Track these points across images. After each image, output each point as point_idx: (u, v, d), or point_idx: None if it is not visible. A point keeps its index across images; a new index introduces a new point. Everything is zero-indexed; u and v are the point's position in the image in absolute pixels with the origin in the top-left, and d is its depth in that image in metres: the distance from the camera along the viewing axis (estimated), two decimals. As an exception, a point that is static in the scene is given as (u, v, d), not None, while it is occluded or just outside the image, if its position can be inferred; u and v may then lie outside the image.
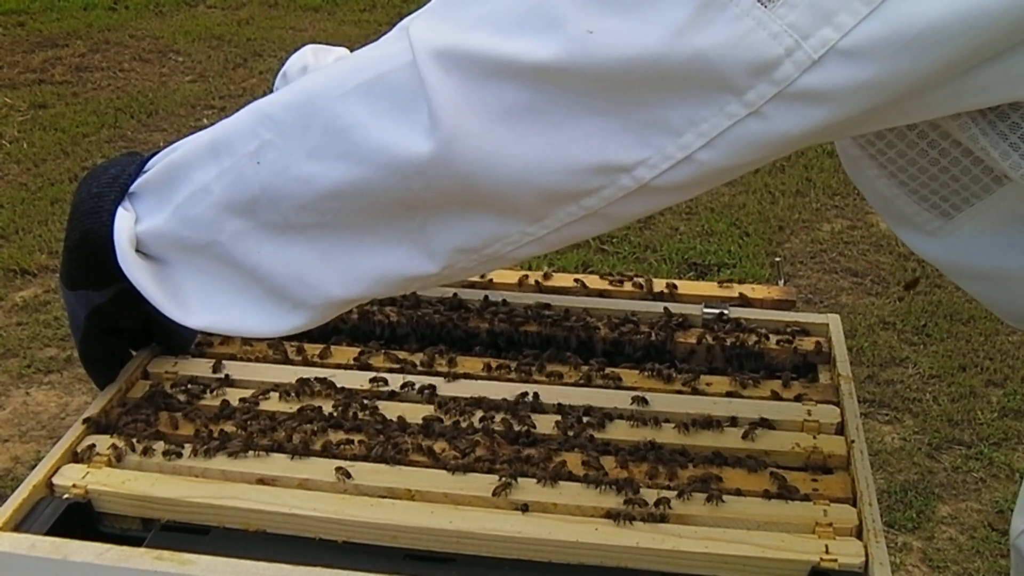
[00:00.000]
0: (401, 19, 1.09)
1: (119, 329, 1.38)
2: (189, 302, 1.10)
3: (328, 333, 1.69)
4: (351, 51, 1.62)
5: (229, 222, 1.03)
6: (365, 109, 0.93)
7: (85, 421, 1.43)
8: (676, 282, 1.81)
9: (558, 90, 0.87)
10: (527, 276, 1.82)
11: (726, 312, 1.71)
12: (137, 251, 1.11)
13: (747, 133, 0.86)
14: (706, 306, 1.73)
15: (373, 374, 1.55)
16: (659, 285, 1.81)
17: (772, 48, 0.81)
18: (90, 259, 1.16)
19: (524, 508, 1.29)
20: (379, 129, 0.93)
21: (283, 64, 1.62)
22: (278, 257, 1.03)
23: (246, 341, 1.64)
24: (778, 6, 0.81)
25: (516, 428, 1.44)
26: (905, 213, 1.07)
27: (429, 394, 1.51)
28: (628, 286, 1.81)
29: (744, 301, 1.76)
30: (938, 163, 1.00)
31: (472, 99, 0.88)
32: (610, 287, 1.81)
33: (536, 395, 1.50)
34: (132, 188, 1.11)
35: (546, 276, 1.83)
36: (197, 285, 1.09)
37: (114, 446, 1.39)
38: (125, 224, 1.09)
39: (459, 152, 0.90)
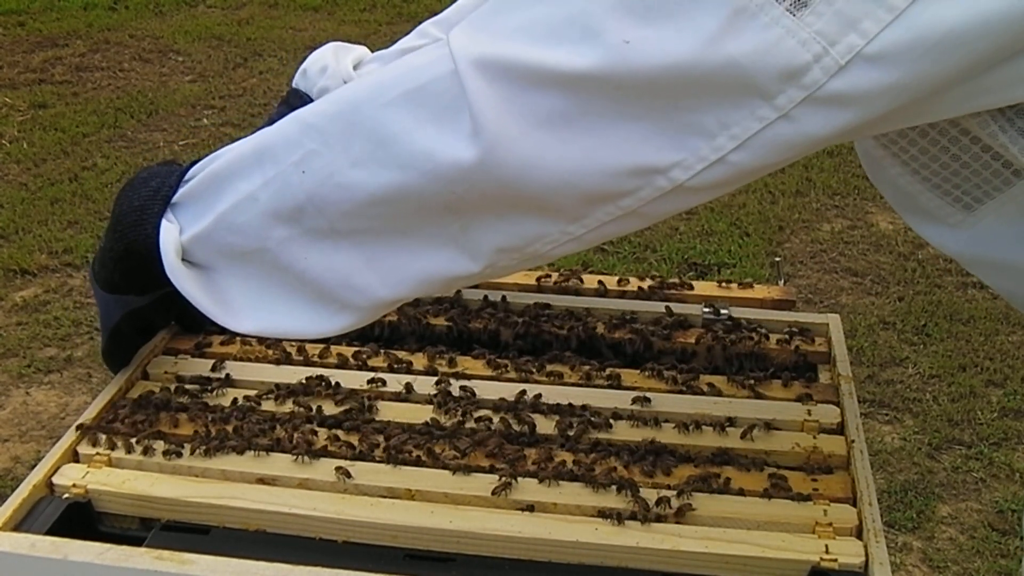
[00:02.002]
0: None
1: (152, 328, 1.41)
2: (237, 307, 1.12)
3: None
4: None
5: (276, 229, 1.06)
6: (408, 117, 0.96)
7: (83, 422, 1.43)
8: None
9: (596, 97, 0.90)
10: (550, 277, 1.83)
11: (726, 312, 1.71)
12: (183, 259, 1.14)
13: (777, 135, 0.89)
14: (706, 306, 1.73)
15: (372, 374, 1.55)
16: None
17: (801, 55, 0.85)
18: (135, 269, 1.18)
19: (530, 508, 1.29)
20: (423, 136, 0.96)
21: (294, 69, 1.63)
22: (325, 262, 1.06)
23: (246, 340, 1.64)
24: (806, 14, 0.84)
25: (516, 428, 1.44)
26: (928, 208, 1.10)
27: (429, 394, 1.51)
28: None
29: (727, 292, 1.76)
30: (959, 158, 1.02)
31: (513, 107, 0.91)
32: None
33: (539, 395, 1.50)
34: (174, 199, 1.13)
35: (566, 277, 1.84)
36: (244, 290, 1.12)
37: (114, 446, 1.39)
38: (171, 236, 1.11)
39: (501, 157, 0.93)
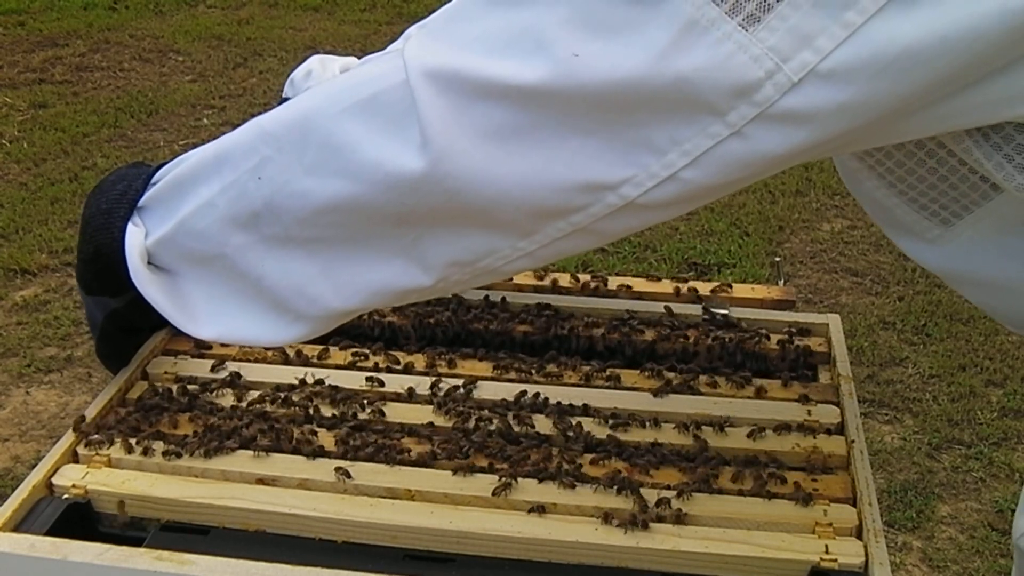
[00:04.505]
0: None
1: (136, 328, 1.42)
2: (197, 313, 1.13)
3: (328, 334, 1.69)
4: (352, 53, 1.64)
5: (234, 235, 1.06)
6: (360, 127, 0.96)
7: (82, 422, 1.43)
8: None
9: (544, 111, 0.89)
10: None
11: (727, 312, 1.71)
12: (149, 262, 1.14)
13: (730, 152, 0.88)
14: (706, 306, 1.73)
15: (371, 374, 1.55)
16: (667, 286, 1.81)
17: (753, 71, 0.83)
18: (104, 271, 1.19)
19: (540, 509, 1.29)
20: (373, 146, 0.96)
21: (292, 70, 1.63)
22: (280, 269, 1.06)
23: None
24: (759, 30, 0.82)
25: (516, 429, 1.44)
26: (905, 222, 1.09)
27: (429, 394, 1.51)
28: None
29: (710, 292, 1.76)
30: (936, 172, 1.01)
31: (461, 118, 0.91)
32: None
33: (537, 395, 1.50)
34: (140, 202, 1.14)
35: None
36: (205, 296, 1.12)
37: (114, 446, 1.39)
38: (136, 240, 1.12)
39: (449, 169, 0.92)
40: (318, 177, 0.99)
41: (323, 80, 1.57)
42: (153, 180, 1.14)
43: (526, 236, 0.98)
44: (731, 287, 1.80)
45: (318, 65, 1.60)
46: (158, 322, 1.34)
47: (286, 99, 1.59)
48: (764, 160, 0.89)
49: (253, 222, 1.05)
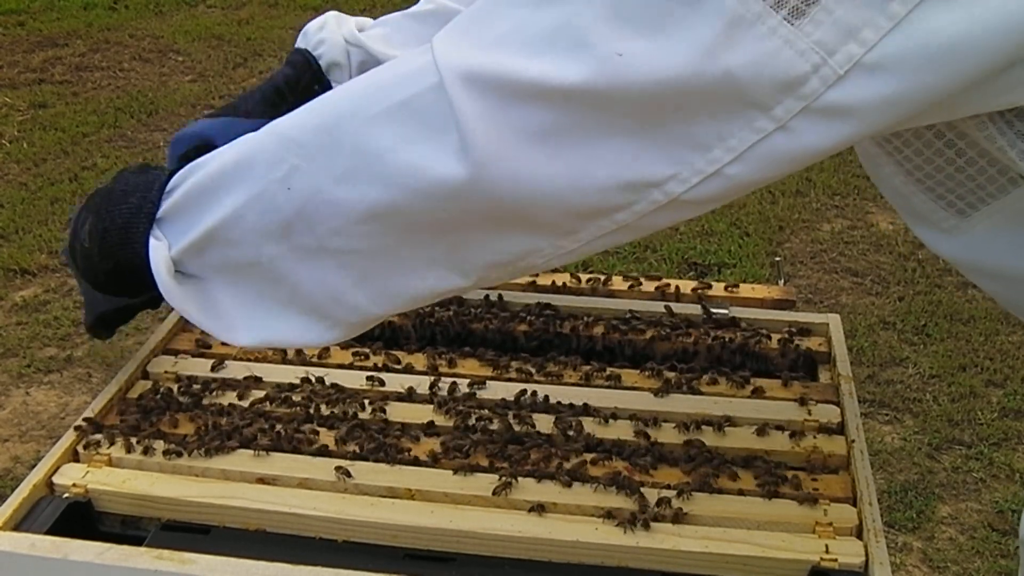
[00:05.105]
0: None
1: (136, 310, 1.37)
2: (232, 320, 1.10)
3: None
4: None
5: (266, 246, 1.04)
6: (394, 133, 0.94)
7: (83, 421, 1.43)
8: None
9: (587, 112, 0.87)
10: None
11: (727, 312, 1.72)
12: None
13: (775, 147, 0.87)
14: (706, 306, 1.73)
15: (372, 374, 1.55)
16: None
17: (799, 65, 0.83)
18: (125, 282, 1.16)
19: (540, 509, 1.29)
20: (409, 153, 0.93)
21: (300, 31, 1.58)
22: (315, 279, 1.04)
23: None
24: (805, 23, 0.82)
25: (516, 428, 1.44)
26: (921, 211, 1.09)
27: (429, 394, 1.51)
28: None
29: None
30: (954, 162, 1.01)
31: (501, 122, 0.89)
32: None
33: (535, 394, 1.50)
34: (159, 214, 1.10)
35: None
36: (239, 303, 1.09)
37: (114, 445, 1.39)
38: (161, 255, 1.09)
39: (491, 175, 0.90)
40: (351, 186, 0.96)
41: (339, 32, 1.53)
42: (168, 188, 1.11)
43: (568, 235, 0.96)
44: (737, 287, 1.80)
45: (333, 21, 1.54)
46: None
47: (297, 48, 1.55)
48: (808, 154, 0.88)
49: (285, 232, 1.02)
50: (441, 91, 0.90)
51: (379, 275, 1.02)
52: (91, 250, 1.14)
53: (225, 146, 1.07)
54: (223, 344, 1.63)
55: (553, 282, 1.81)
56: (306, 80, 1.49)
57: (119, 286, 1.18)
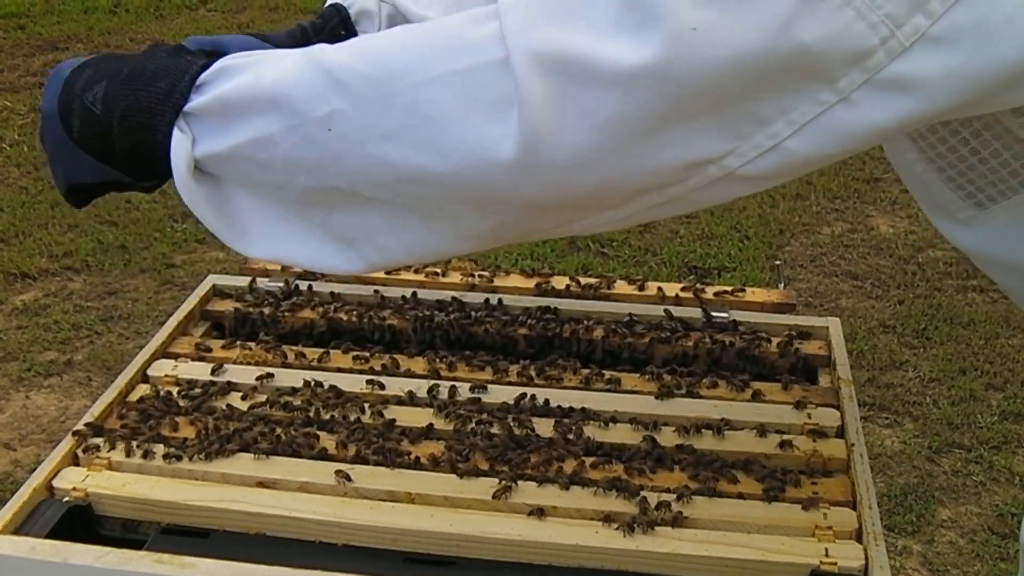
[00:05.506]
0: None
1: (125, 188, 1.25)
2: (248, 230, 1.07)
3: (328, 337, 1.70)
4: None
5: (299, 176, 1.01)
6: (453, 101, 0.91)
7: (83, 425, 1.43)
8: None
9: (655, 95, 0.85)
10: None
11: (727, 316, 1.72)
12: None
13: (836, 120, 0.86)
14: (707, 309, 1.73)
15: (372, 377, 1.55)
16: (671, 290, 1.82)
17: (869, 38, 0.82)
18: (136, 165, 1.11)
19: (540, 513, 1.29)
20: (467, 127, 0.90)
21: None
22: (349, 216, 1.02)
23: (245, 345, 1.64)
24: None
25: (516, 432, 1.44)
26: (940, 200, 1.08)
27: (429, 398, 1.51)
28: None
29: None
30: (978, 153, 1.00)
31: (569, 106, 0.87)
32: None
33: (534, 397, 1.50)
34: (186, 108, 1.05)
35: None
36: (259, 215, 1.06)
37: (114, 449, 1.39)
38: (183, 150, 1.04)
39: (549, 158, 0.88)
40: (398, 146, 0.93)
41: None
42: (198, 82, 1.05)
43: (616, 207, 0.94)
44: (744, 290, 1.79)
45: None
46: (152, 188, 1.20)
47: (332, 4, 1.52)
48: (868, 130, 0.87)
49: (320, 170, 0.99)
50: (507, 67, 0.88)
51: (415, 231, 1.00)
52: (105, 120, 1.08)
53: (262, 55, 1.03)
54: (223, 349, 1.63)
55: (554, 287, 1.81)
56: (332, 25, 1.44)
57: (126, 168, 1.12)
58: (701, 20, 0.82)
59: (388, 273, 1.82)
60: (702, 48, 0.83)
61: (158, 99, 1.05)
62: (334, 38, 1.35)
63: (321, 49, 0.99)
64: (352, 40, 1.01)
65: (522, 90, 0.87)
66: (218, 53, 1.08)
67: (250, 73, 1.02)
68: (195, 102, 1.04)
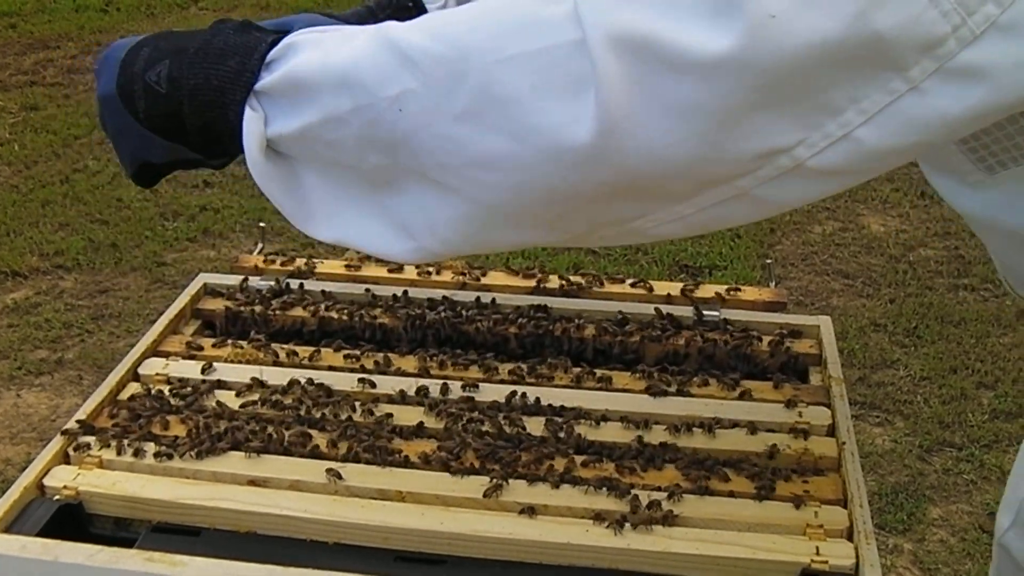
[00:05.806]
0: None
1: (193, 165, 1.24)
2: (315, 212, 1.06)
3: (319, 336, 1.70)
4: None
5: (370, 155, 1.00)
6: (527, 82, 0.89)
7: (77, 424, 1.43)
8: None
9: (734, 86, 0.85)
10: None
11: (717, 314, 1.72)
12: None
13: (907, 109, 0.86)
14: (698, 308, 1.73)
15: (363, 376, 1.55)
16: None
17: (941, 26, 0.82)
18: (209, 142, 1.09)
19: (530, 511, 1.29)
20: (540, 109, 0.89)
21: None
22: (413, 201, 1.01)
23: (236, 344, 1.64)
24: None
25: (507, 430, 1.44)
26: (950, 162, 1.08)
27: (420, 396, 1.51)
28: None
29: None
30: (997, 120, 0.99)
31: (646, 91, 0.86)
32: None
33: (525, 396, 1.50)
34: (257, 87, 1.04)
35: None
36: (328, 197, 1.06)
37: (105, 447, 1.39)
38: (255, 128, 1.03)
39: (623, 144, 0.87)
40: (470, 127, 0.92)
41: None
42: (268, 59, 1.04)
43: (685, 199, 0.93)
44: (740, 290, 1.79)
45: None
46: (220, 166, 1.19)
47: None
48: (939, 120, 0.86)
49: (390, 151, 0.98)
50: (583, 49, 0.86)
51: (478, 220, 0.99)
52: (172, 99, 1.07)
53: (332, 32, 1.02)
54: (214, 347, 1.63)
55: (544, 285, 1.81)
56: (400, 0, 1.41)
57: (199, 147, 1.11)
58: (780, 8, 0.81)
59: (382, 271, 1.83)
60: (781, 36, 0.82)
61: (228, 77, 1.04)
62: (402, 14, 1.33)
63: (391, 27, 0.97)
64: (423, 17, 1.00)
65: (599, 72, 0.85)
66: (285, 32, 1.06)
67: (320, 50, 1.01)
68: (265, 80, 1.03)
